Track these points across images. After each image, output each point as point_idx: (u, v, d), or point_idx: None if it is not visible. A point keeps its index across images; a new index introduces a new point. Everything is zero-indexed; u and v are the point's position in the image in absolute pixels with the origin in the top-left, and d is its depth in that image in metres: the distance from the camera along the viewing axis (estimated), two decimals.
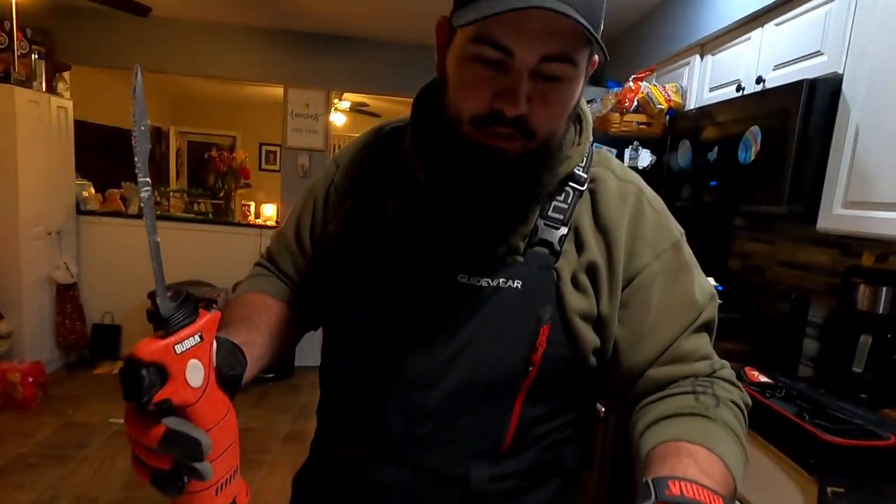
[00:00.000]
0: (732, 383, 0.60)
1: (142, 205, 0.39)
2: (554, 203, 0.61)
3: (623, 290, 0.60)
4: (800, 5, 1.57)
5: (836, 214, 1.38)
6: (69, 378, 3.34)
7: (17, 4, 2.36)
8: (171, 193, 3.67)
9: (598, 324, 0.60)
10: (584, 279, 0.60)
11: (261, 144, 6.92)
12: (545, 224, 0.60)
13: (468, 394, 0.58)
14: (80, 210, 3.51)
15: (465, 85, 0.53)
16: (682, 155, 2.04)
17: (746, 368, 1.39)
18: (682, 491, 0.41)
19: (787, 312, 1.61)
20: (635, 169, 2.20)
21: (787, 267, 1.92)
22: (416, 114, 0.63)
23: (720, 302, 0.65)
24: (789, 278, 1.89)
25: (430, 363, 0.58)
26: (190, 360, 0.38)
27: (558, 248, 0.60)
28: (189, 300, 0.39)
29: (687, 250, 0.64)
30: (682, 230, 0.65)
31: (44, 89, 3.11)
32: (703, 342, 0.61)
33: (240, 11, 3.20)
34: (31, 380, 2.85)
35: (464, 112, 0.53)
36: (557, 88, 0.52)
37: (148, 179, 0.39)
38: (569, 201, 0.61)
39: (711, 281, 1.85)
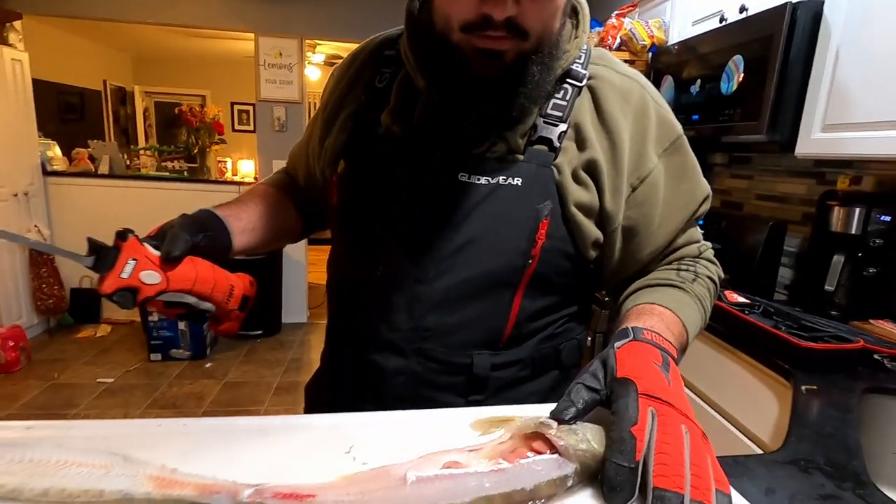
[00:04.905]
0: (712, 262, 0.68)
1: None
2: (553, 101, 0.61)
3: (635, 189, 0.62)
4: None
5: (814, 139, 1.40)
6: (51, 342, 3.29)
7: None
8: (142, 151, 3.52)
9: (601, 219, 0.62)
10: (585, 176, 0.61)
11: (232, 104, 6.67)
12: (544, 122, 0.61)
13: (470, 287, 0.60)
14: (47, 171, 3.37)
15: None
16: (665, 91, 2.04)
17: (726, 292, 1.44)
18: (653, 337, 0.50)
19: (764, 240, 1.66)
20: None
21: (764, 200, 1.96)
22: (410, 19, 0.62)
23: (702, 232, 0.71)
24: (767, 210, 1.94)
25: (433, 259, 0.60)
26: (141, 272, 0.52)
27: (557, 145, 0.60)
28: (101, 249, 0.52)
29: (688, 146, 0.66)
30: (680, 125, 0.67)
31: None
32: (695, 230, 0.68)
33: None
34: (11, 343, 2.80)
35: (452, 19, 0.52)
36: None
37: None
38: (567, 98, 0.61)
39: None
